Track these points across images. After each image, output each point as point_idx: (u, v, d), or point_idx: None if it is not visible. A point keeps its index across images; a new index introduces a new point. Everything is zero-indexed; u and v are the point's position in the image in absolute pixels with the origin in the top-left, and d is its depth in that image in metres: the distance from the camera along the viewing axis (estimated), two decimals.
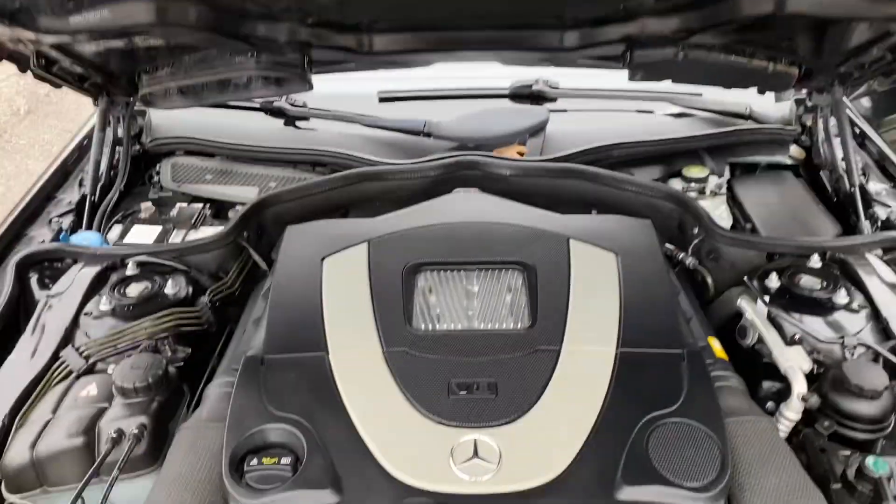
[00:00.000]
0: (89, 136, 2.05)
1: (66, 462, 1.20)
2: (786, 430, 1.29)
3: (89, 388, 1.30)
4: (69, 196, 1.84)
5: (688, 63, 1.64)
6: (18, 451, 1.21)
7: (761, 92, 1.82)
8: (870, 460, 1.16)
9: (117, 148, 1.91)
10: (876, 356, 1.33)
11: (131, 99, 1.87)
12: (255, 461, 1.15)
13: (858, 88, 1.86)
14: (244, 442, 1.17)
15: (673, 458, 1.12)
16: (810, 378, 1.32)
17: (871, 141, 2.04)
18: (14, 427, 1.26)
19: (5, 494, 1.21)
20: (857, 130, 2.08)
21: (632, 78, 1.70)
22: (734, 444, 1.18)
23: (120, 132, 1.92)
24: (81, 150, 2.04)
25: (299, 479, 1.12)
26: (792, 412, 1.27)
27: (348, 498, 1.09)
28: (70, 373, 1.35)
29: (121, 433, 1.21)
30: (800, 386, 1.27)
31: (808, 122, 2.01)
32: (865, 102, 2.49)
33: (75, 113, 5.66)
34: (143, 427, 1.23)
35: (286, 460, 1.15)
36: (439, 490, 1.09)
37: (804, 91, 1.93)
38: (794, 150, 2.03)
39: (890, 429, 1.25)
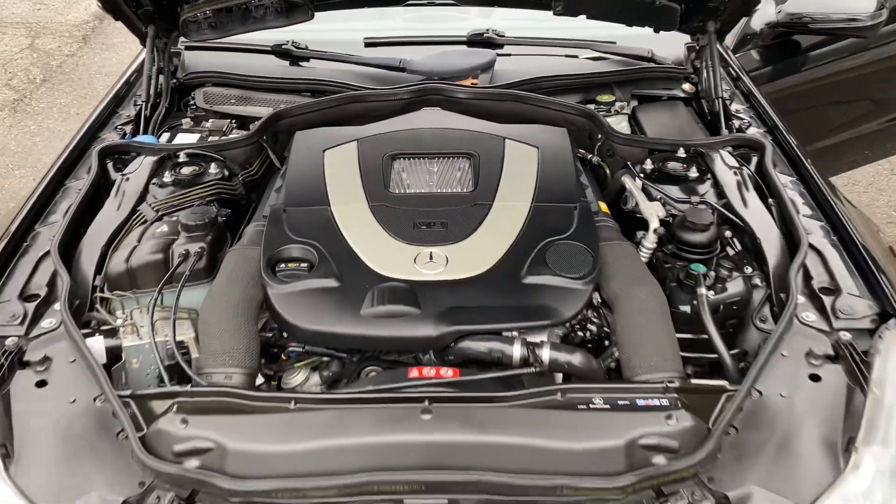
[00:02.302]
0: (136, 72, 2.53)
1: (150, 271, 1.67)
2: (645, 257, 1.80)
3: (162, 227, 1.79)
4: (127, 111, 2.32)
5: None
6: (117, 263, 1.68)
7: (656, 31, 2.34)
8: (693, 265, 1.69)
9: (160, 76, 2.39)
10: (713, 209, 1.86)
11: (172, 33, 2.34)
12: (283, 266, 1.66)
13: (732, 26, 2.38)
14: (275, 254, 1.67)
15: (561, 261, 1.63)
16: (665, 225, 1.84)
17: (742, 82, 2.57)
18: (110, 252, 1.75)
19: (107, 293, 1.70)
20: (734, 72, 2.61)
21: (555, 11, 2.20)
22: (605, 256, 1.69)
23: (162, 63, 2.39)
24: (129, 83, 2.51)
25: (314, 274, 1.62)
26: (648, 242, 1.79)
27: (346, 283, 1.59)
28: (145, 221, 1.84)
29: (187, 252, 1.71)
30: (654, 223, 1.78)
31: (698, 65, 2.53)
32: (755, 55, 3.01)
33: (87, 81, 6.06)
34: (203, 249, 1.71)
35: (304, 265, 1.66)
36: (406, 278, 1.60)
37: (691, 37, 2.46)
38: (687, 86, 2.53)
39: (716, 254, 1.77)
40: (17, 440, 1.35)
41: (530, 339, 1.53)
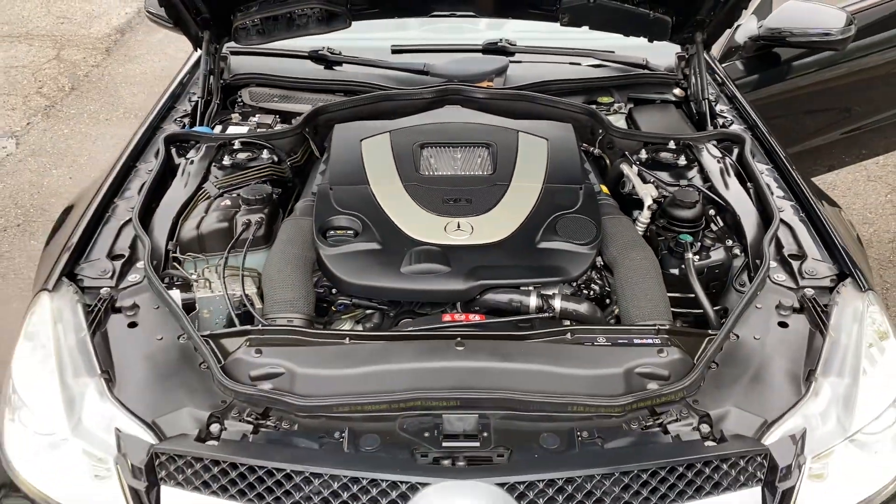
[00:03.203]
0: (188, 74, 2.81)
1: (217, 237, 1.92)
2: (641, 229, 2.06)
3: (225, 201, 2.05)
4: (183, 107, 2.59)
5: (598, 8, 2.43)
6: (188, 230, 1.93)
7: (650, 41, 2.62)
8: (681, 235, 1.96)
9: (210, 77, 2.65)
10: (699, 190, 2.12)
11: (224, 38, 2.61)
12: (332, 232, 1.92)
13: (718, 37, 2.66)
14: (325, 222, 1.92)
15: (570, 230, 1.89)
16: (658, 205, 2.10)
17: (727, 87, 2.85)
18: (180, 221, 2.01)
19: (180, 256, 1.95)
20: (719, 79, 2.90)
21: (562, 22, 2.49)
22: (606, 227, 1.95)
23: (213, 65, 2.66)
24: (182, 84, 2.78)
25: (360, 239, 1.87)
26: (643, 218, 2.05)
27: (387, 246, 1.84)
28: (209, 196, 2.10)
29: (249, 221, 1.96)
30: (648, 201, 2.04)
31: (687, 72, 2.81)
32: (739, 66, 3.29)
33: (113, 89, 6.34)
34: (262, 219, 1.96)
35: (350, 232, 1.91)
36: (438, 243, 1.85)
37: (681, 47, 2.75)
38: (678, 91, 2.80)
39: (701, 227, 2.03)
40: (117, 369, 1.60)
41: (544, 292, 1.79)
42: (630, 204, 2.19)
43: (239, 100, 2.68)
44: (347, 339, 1.62)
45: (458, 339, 1.60)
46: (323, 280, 1.88)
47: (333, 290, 1.87)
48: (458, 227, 1.90)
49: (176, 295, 1.79)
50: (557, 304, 1.75)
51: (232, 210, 2.00)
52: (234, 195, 2.07)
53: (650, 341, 1.62)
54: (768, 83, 3.32)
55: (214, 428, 1.45)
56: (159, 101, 2.60)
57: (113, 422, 1.49)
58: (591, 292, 1.88)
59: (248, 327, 1.68)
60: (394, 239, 1.86)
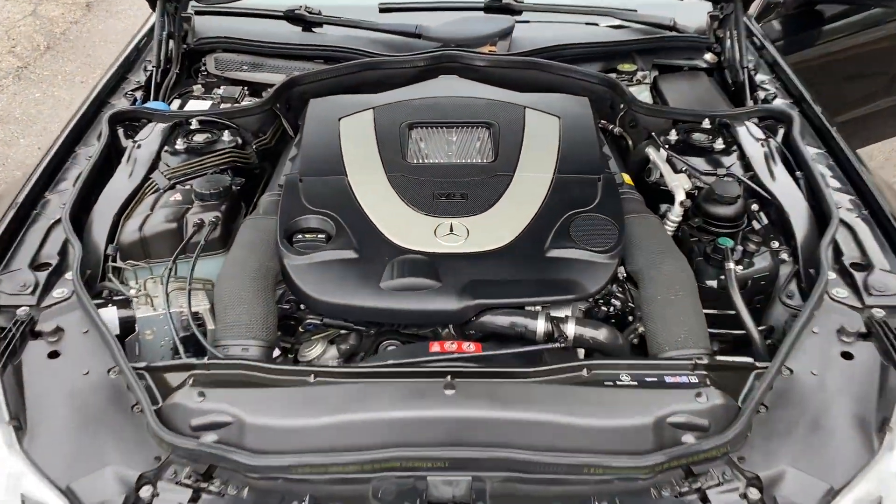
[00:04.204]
0: (145, 37, 2.46)
1: (163, 240, 1.62)
2: (670, 230, 1.75)
3: (175, 195, 1.73)
4: (137, 77, 2.25)
5: None
6: (129, 233, 1.63)
7: None
8: (720, 239, 1.63)
9: (170, 42, 2.31)
10: (739, 181, 1.80)
11: None
12: (300, 236, 1.61)
13: None
14: (292, 224, 1.61)
15: (585, 234, 1.58)
16: (691, 198, 1.78)
17: (767, 52, 2.49)
18: (122, 220, 1.70)
19: (120, 263, 1.65)
20: (758, 42, 2.53)
21: None
22: (630, 229, 1.64)
23: (172, 28, 2.31)
24: (139, 49, 2.44)
25: (332, 245, 1.56)
26: (674, 215, 1.73)
27: (364, 255, 1.54)
28: (158, 189, 1.78)
29: (202, 221, 1.65)
30: (680, 196, 1.72)
31: (721, 34, 2.46)
32: (776, 25, 2.92)
33: (91, 49, 5.97)
34: (218, 218, 1.65)
35: (321, 236, 1.60)
36: (426, 251, 1.55)
37: (713, 5, 2.38)
38: (709, 56, 2.46)
39: (742, 227, 1.72)
40: (30, 413, 1.31)
41: (554, 313, 1.49)
42: (657, 196, 1.86)
43: (203, 68, 2.34)
44: (312, 375, 1.32)
45: (449, 377, 1.30)
46: (289, 294, 1.58)
47: (302, 306, 1.58)
48: (451, 229, 1.59)
49: (111, 313, 1.51)
50: (571, 329, 1.45)
51: (183, 207, 1.69)
52: (187, 187, 1.76)
53: (685, 379, 1.32)
54: (807, 45, 2.95)
55: (145, 492, 1.18)
56: (109, 69, 2.26)
57: (21, 482, 1.21)
58: (611, 309, 1.57)
59: (193, 360, 1.39)
60: (373, 245, 1.56)
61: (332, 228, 1.60)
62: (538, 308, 1.49)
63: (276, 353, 1.56)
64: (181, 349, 1.45)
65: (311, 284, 1.50)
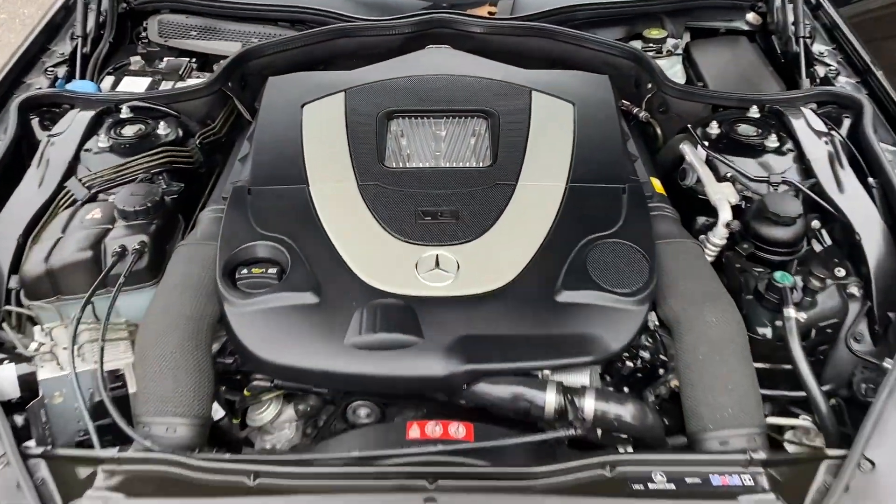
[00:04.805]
0: None
1: (76, 273, 1.30)
2: (712, 255, 1.42)
3: (94, 212, 1.39)
4: (62, 48, 1.86)
5: None
6: (34, 264, 1.30)
7: None
8: (777, 274, 1.29)
9: (103, 2, 1.92)
10: (797, 192, 1.46)
11: None
12: (245, 270, 1.27)
13: None
14: (235, 255, 1.28)
15: (608, 270, 1.25)
16: (738, 212, 1.45)
17: (824, 11, 2.08)
18: (28, 245, 1.37)
19: (24, 301, 1.33)
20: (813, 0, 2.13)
21: None
22: (663, 260, 1.31)
23: None
24: (67, 8, 2.04)
25: (285, 284, 1.24)
26: (717, 238, 1.40)
27: (326, 299, 1.22)
28: (74, 201, 1.44)
29: (124, 249, 1.31)
30: (726, 214, 1.39)
31: None
32: None
33: None
34: (144, 244, 1.32)
35: (273, 270, 1.27)
36: (405, 293, 1.22)
37: None
38: (752, 16, 2.06)
39: (801, 252, 1.39)
40: None
41: (568, 380, 1.17)
42: (692, 204, 1.53)
43: (143, 34, 1.95)
44: (252, 476, 1.02)
45: (429, 480, 1.00)
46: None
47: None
48: (437, 263, 1.26)
49: (8, 372, 1.20)
50: (589, 405, 1.13)
51: (102, 228, 1.35)
52: (110, 200, 1.42)
53: (737, 481, 1.03)
54: None
55: None
56: (28, 37, 1.87)
57: None
58: (637, 362, 1.26)
59: (101, 453, 1.08)
60: (337, 284, 1.23)
61: (286, 260, 1.27)
62: (547, 373, 1.17)
63: (220, 413, 1.26)
64: (92, 429, 1.14)
65: (256, 339, 1.19)
